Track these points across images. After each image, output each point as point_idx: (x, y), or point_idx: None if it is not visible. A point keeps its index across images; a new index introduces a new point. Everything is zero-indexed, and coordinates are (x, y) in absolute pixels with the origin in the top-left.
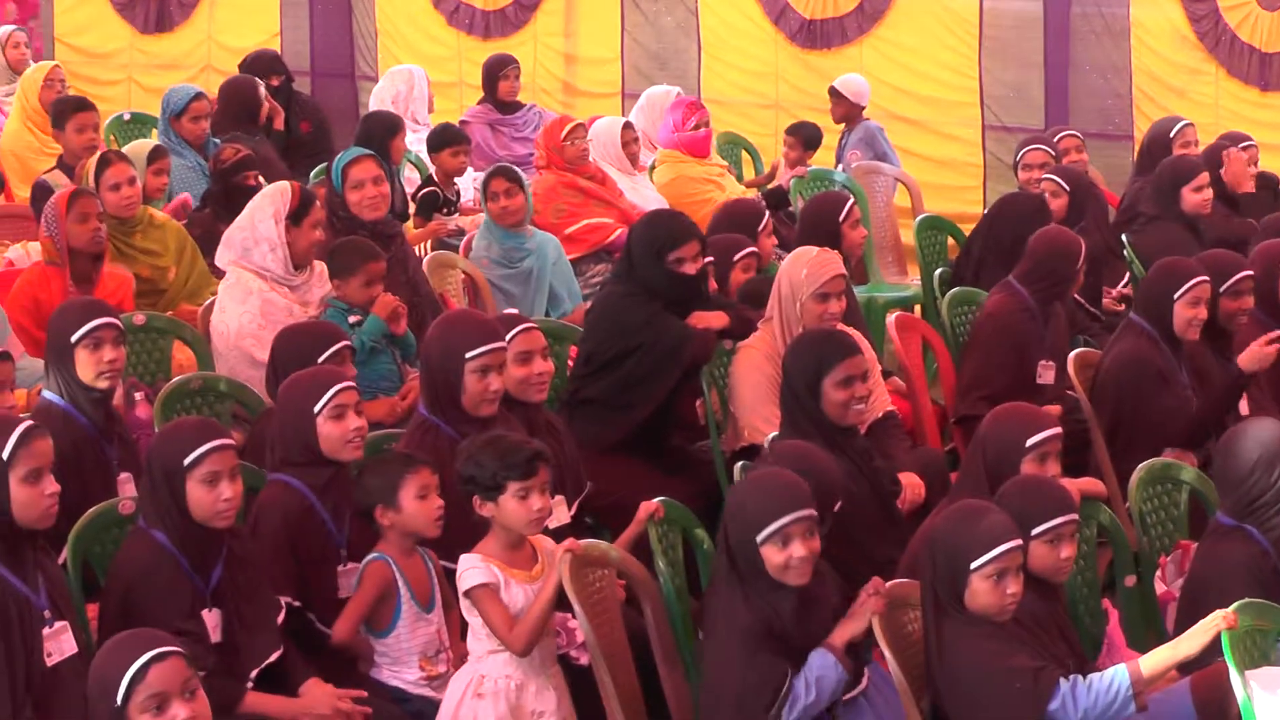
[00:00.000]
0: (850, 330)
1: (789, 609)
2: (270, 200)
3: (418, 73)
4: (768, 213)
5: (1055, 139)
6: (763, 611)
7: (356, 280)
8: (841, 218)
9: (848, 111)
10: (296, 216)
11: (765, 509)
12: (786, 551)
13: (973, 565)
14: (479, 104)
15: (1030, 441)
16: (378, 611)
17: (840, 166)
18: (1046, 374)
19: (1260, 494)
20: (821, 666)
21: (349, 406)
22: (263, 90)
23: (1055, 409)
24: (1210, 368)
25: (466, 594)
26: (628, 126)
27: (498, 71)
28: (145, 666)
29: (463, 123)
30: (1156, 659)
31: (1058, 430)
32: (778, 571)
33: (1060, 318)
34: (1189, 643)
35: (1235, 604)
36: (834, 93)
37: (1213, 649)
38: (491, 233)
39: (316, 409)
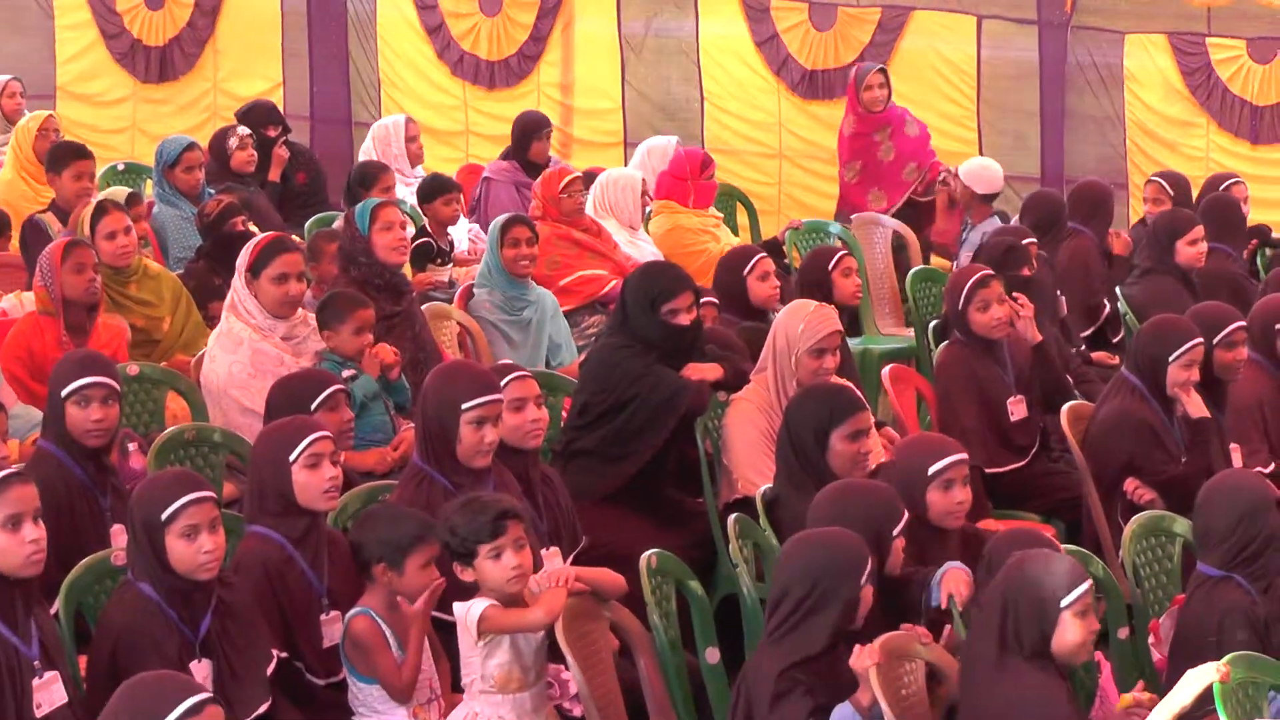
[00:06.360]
0: (846, 384)
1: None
2: (242, 254)
3: (394, 128)
4: (759, 256)
5: None
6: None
7: (346, 329)
8: (831, 266)
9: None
10: (255, 269)
11: (851, 565)
12: (865, 590)
13: (1064, 602)
14: (505, 160)
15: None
16: (369, 660)
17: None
18: (1018, 409)
19: (1245, 545)
20: (842, 717)
21: (324, 456)
22: (234, 140)
23: None
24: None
25: (481, 626)
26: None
27: (533, 132)
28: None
29: (487, 179)
30: (1159, 715)
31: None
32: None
33: (1020, 353)
34: (1182, 693)
35: (1228, 656)
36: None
37: (1206, 700)
38: (494, 279)
39: (292, 458)
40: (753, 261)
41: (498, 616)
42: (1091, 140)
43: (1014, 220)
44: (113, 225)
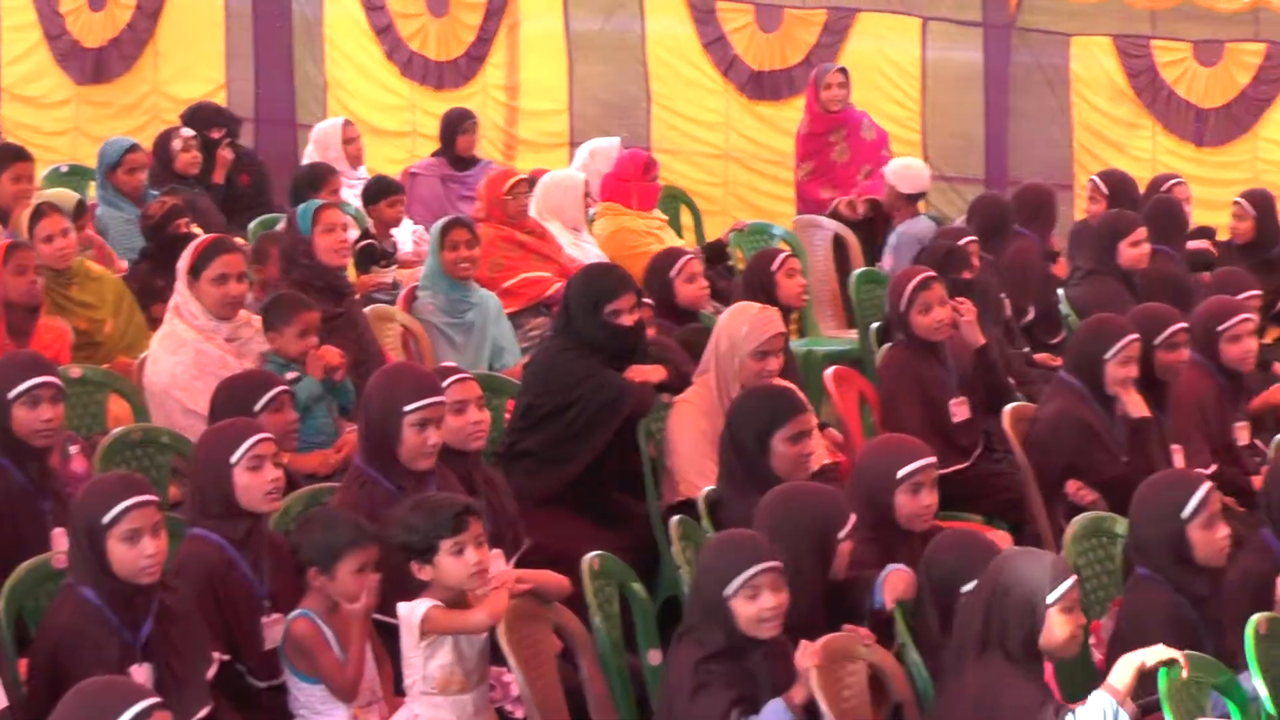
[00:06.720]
0: (788, 386)
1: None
2: (182, 256)
3: (331, 130)
4: (686, 258)
5: None
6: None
7: (290, 331)
8: (775, 267)
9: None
10: (195, 271)
11: (730, 564)
12: (757, 604)
13: (1049, 599)
14: (433, 156)
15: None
16: (312, 662)
17: (880, 266)
18: (960, 411)
19: (1163, 543)
20: (774, 713)
21: (266, 458)
22: (178, 142)
23: None
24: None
25: (424, 626)
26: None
27: (457, 126)
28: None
29: (412, 174)
30: (1122, 669)
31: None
32: (751, 625)
33: (963, 354)
34: (1149, 655)
35: (1187, 652)
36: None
37: (1148, 687)
38: (437, 283)
39: (233, 460)
40: (679, 264)
41: (441, 617)
42: (1037, 142)
43: (959, 222)
44: (50, 228)
